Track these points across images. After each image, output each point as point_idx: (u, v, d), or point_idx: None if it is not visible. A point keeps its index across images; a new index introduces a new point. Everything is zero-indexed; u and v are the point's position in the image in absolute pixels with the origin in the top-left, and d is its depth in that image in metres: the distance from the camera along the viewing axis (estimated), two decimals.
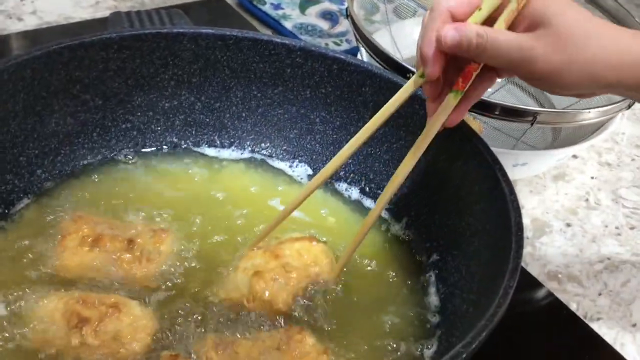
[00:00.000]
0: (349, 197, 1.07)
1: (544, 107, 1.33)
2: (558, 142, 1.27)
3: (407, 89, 0.85)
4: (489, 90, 1.33)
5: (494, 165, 0.87)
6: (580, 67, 0.76)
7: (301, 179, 1.08)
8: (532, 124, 1.05)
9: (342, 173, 1.08)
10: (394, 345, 0.85)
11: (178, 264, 0.90)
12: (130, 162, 1.06)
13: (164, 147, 1.09)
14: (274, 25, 1.58)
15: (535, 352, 0.94)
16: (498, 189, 0.85)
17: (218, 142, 1.10)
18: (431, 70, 0.80)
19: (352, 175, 1.07)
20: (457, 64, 0.82)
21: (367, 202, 1.06)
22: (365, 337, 0.86)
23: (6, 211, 0.94)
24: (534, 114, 1.04)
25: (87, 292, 0.84)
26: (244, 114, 1.09)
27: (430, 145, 0.96)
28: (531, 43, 0.76)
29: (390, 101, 0.86)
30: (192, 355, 0.78)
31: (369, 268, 0.96)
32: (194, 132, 1.09)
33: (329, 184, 1.07)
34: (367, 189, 1.06)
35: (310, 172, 1.09)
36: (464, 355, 0.66)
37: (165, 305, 0.85)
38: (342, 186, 1.08)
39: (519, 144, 1.21)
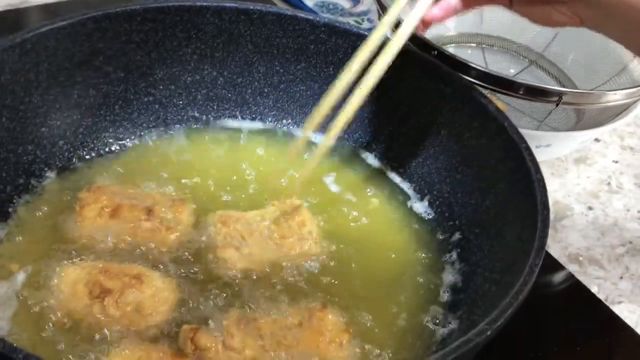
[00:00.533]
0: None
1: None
2: (581, 125, 1.26)
3: None
4: (512, 71, 1.33)
5: (520, 144, 0.86)
6: None
7: None
8: (557, 105, 1.04)
9: (374, 146, 1.07)
10: (414, 323, 0.85)
11: (199, 234, 0.90)
12: (152, 135, 1.06)
13: (186, 121, 1.08)
14: (295, 2, 1.56)
15: (556, 334, 0.93)
16: (524, 168, 0.84)
17: (240, 117, 1.10)
18: None
19: (373, 153, 1.07)
20: None
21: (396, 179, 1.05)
22: (384, 314, 0.86)
23: (28, 182, 0.94)
24: (560, 94, 1.03)
25: (109, 262, 0.84)
26: (266, 90, 1.09)
27: (454, 122, 0.96)
28: None
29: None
30: (213, 329, 0.77)
31: (389, 246, 0.95)
32: (215, 107, 1.09)
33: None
34: (389, 167, 1.05)
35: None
36: (489, 332, 0.65)
37: (187, 276, 0.85)
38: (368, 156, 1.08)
39: (542, 125, 1.20)
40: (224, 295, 0.83)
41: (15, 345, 0.58)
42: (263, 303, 0.82)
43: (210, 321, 0.79)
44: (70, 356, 0.75)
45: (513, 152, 0.86)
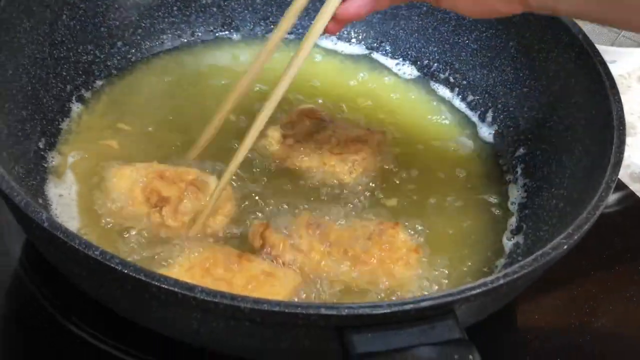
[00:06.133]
0: (435, 90, 1.04)
1: None
2: None
3: None
4: None
5: (595, 57, 0.83)
6: None
7: (383, 65, 1.06)
8: None
9: (425, 62, 1.04)
10: (479, 239, 0.84)
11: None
12: (209, 38, 1.04)
13: (244, 26, 1.06)
14: None
15: (618, 252, 0.92)
16: (598, 82, 0.81)
17: (298, 23, 1.06)
18: None
19: (436, 64, 1.04)
20: None
21: (449, 95, 1.03)
22: (449, 230, 0.84)
23: (87, 81, 0.93)
24: None
25: (164, 164, 0.82)
26: None
27: (524, 34, 0.93)
28: None
29: None
30: (283, 229, 0.76)
31: (452, 160, 0.94)
32: (274, 11, 1.06)
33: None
34: (452, 79, 1.02)
35: (391, 60, 1.06)
36: (565, 247, 0.64)
37: (245, 179, 0.84)
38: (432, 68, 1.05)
39: (619, 37, 1.16)
40: (288, 199, 0.82)
41: (90, 241, 0.57)
42: (335, 211, 0.81)
43: (279, 222, 0.78)
44: (136, 256, 0.74)
45: (587, 66, 0.83)
